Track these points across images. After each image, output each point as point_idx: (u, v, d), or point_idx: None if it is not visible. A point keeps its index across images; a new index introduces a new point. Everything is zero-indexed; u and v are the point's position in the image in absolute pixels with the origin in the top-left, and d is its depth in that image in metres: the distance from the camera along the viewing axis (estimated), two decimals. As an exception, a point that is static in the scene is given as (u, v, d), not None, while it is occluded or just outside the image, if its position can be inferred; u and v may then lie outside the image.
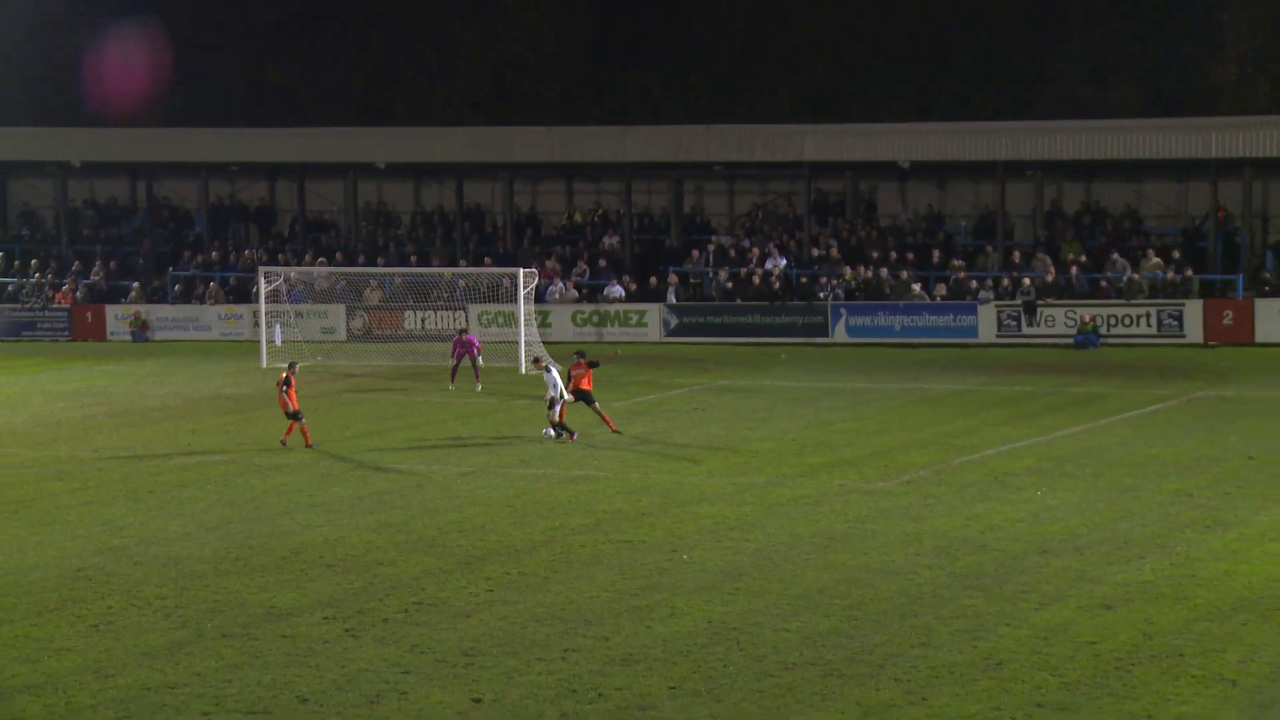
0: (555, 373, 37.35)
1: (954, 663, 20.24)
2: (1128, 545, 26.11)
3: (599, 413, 37.64)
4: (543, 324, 56.71)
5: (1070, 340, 55.38)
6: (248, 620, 22.91)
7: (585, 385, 37.59)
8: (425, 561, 26.11)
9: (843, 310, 57.46)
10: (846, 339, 57.09)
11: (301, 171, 66.60)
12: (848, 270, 58.64)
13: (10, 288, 65.68)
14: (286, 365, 37.97)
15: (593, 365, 37.97)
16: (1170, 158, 57.95)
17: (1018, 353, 54.18)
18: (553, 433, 37.01)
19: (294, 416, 36.72)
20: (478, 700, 19.30)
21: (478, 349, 47.43)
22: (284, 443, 36.77)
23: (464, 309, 58.57)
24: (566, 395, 37.19)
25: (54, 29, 79.00)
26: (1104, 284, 56.86)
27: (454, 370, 47.25)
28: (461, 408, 41.89)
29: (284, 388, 36.59)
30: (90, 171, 69.43)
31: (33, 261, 66.85)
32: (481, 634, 21.99)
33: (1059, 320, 55.97)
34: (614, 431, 37.40)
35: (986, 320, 56.50)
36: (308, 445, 36.64)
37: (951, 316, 56.87)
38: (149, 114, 77.04)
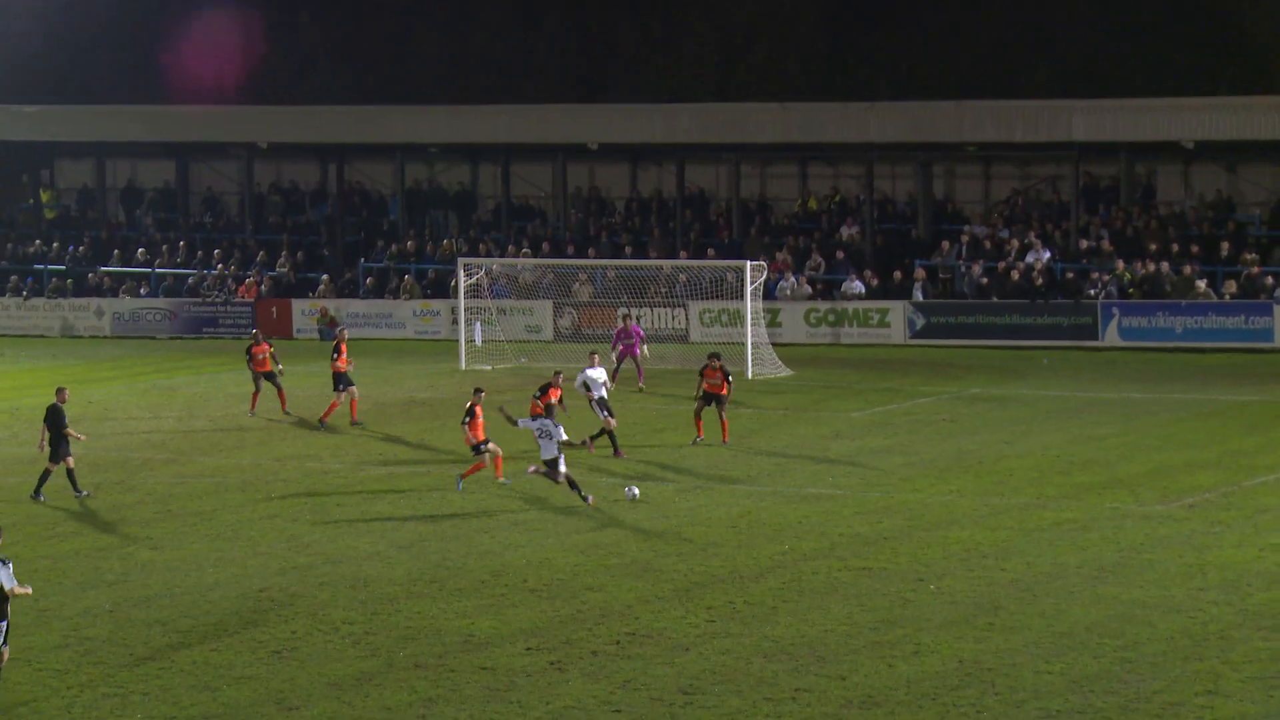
0: (595, 372, 38.17)
1: (1246, 714, 19.78)
2: None
3: (722, 420, 38.52)
4: (771, 324, 56.58)
5: (1385, 346, 53.84)
6: (443, 649, 23.14)
7: (724, 391, 38.42)
8: (639, 588, 26.16)
9: (1115, 310, 56.51)
10: (1119, 342, 56.16)
11: (506, 153, 67.27)
12: (1120, 264, 57.65)
13: (191, 280, 67.30)
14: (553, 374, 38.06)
15: (727, 376, 38.65)
16: None
17: (1320, 360, 52.92)
18: (636, 491, 32.95)
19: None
20: (697, 744, 19.28)
21: (640, 341, 47.74)
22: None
23: (684, 306, 58.68)
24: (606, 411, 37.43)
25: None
26: None
27: (614, 371, 46.51)
28: (679, 416, 41.92)
29: (538, 397, 37.05)
30: (277, 154, 70.88)
31: (215, 251, 68.43)
32: (702, 670, 21.96)
33: (1372, 323, 54.49)
34: (724, 442, 38.32)
35: (1284, 322, 55.26)
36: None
37: (1243, 318, 55.64)
38: (339, 90, 78.47)
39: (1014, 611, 24.33)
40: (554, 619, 24.50)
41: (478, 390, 34.87)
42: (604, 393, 38.56)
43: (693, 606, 24.96)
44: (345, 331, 45.18)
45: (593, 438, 37.99)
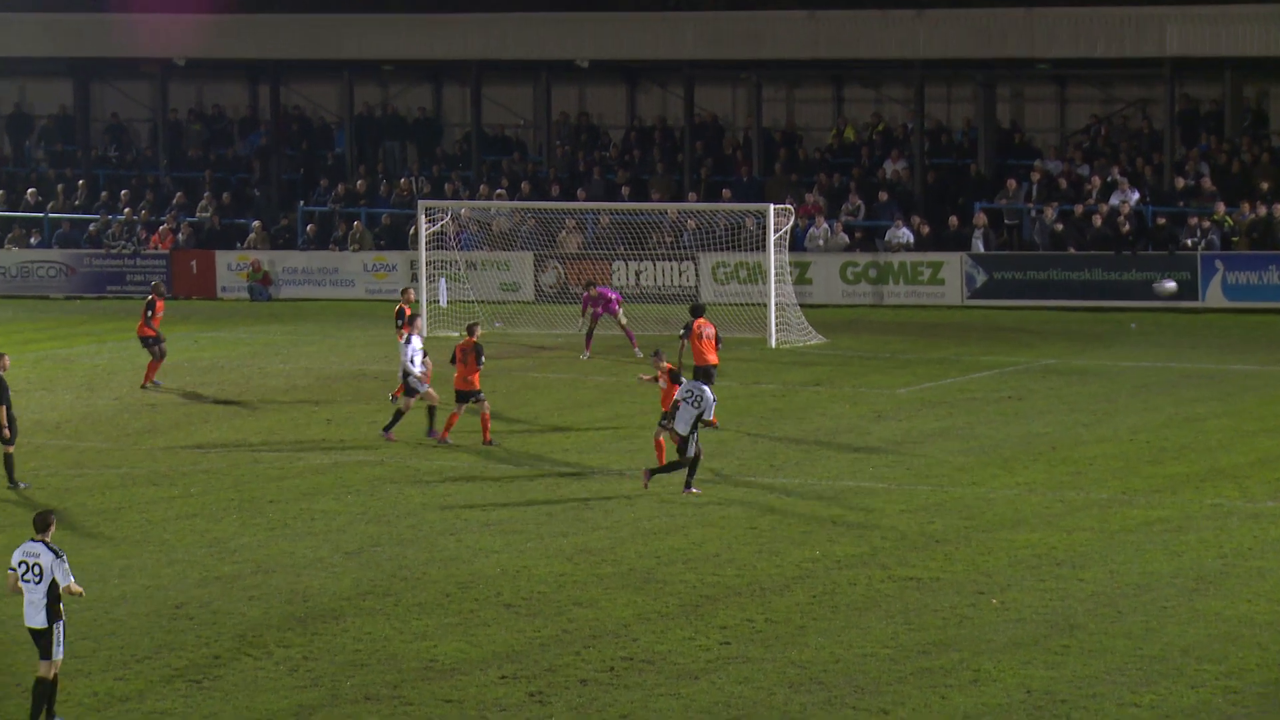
0: (416, 343, 38.32)
1: (1374, 757, 19.82)
2: None
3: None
4: (800, 280, 56.61)
5: None
6: (399, 678, 23.17)
7: (714, 359, 39.21)
8: (638, 602, 26.19)
9: (1218, 263, 56.57)
10: (1223, 303, 56.22)
11: (477, 71, 67.25)
12: (1223, 207, 57.68)
13: (93, 227, 67.28)
14: (466, 330, 38.47)
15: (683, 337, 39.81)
16: None
17: None
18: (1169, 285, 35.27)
19: (467, 399, 37.37)
20: (708, 793, 19.36)
21: (618, 303, 48.49)
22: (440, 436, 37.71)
23: (693, 259, 58.67)
24: (426, 386, 37.91)
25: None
26: None
27: (588, 336, 48.89)
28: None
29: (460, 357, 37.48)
30: (198, 72, 70.80)
31: (122, 192, 68.44)
32: (714, 702, 22.00)
33: None
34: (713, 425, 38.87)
35: None
36: (485, 441, 37.37)
37: (1372, 273, 55.87)
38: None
39: (1094, 631, 24.35)
40: (534, 641, 24.51)
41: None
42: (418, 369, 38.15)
43: (703, 625, 24.97)
44: (412, 292, 45.36)
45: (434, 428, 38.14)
